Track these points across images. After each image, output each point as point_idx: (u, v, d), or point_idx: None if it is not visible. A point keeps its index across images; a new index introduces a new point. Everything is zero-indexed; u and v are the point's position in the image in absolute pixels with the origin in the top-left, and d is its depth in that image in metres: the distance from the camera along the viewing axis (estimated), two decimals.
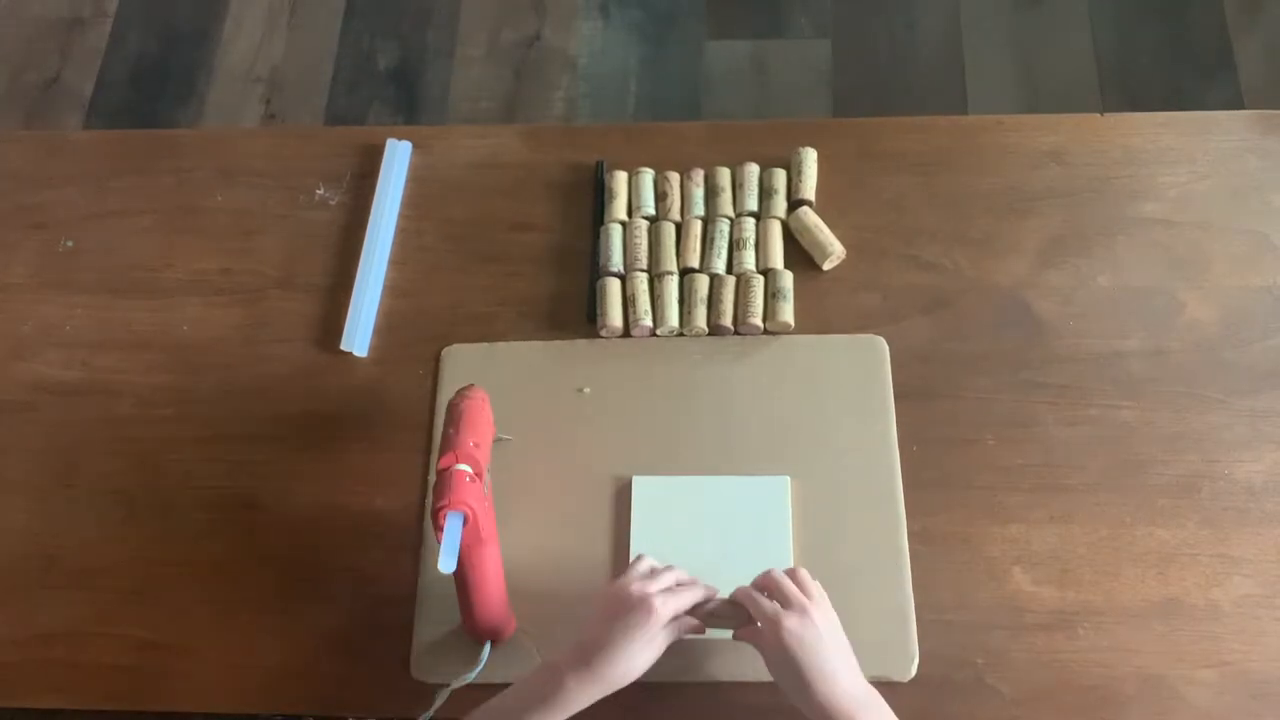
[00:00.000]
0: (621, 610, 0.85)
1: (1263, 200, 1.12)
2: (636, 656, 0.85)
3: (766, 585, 0.89)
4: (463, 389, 0.92)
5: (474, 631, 0.94)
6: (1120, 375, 1.04)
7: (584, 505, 1.01)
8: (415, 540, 1.01)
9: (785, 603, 0.86)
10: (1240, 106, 1.92)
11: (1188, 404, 1.03)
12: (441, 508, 0.82)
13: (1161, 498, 0.99)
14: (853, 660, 0.85)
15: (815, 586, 0.88)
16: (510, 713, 0.84)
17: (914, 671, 0.93)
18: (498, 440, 0.97)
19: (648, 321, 1.08)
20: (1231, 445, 1.01)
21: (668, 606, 0.86)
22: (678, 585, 0.89)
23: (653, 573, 0.89)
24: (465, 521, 0.82)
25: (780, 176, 1.13)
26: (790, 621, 0.84)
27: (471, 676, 0.93)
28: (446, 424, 0.89)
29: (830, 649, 0.84)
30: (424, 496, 1.03)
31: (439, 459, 0.85)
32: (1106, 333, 1.06)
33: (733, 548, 0.97)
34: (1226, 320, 1.06)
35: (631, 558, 0.96)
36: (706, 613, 0.90)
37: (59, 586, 1.02)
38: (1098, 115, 1.18)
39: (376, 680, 0.96)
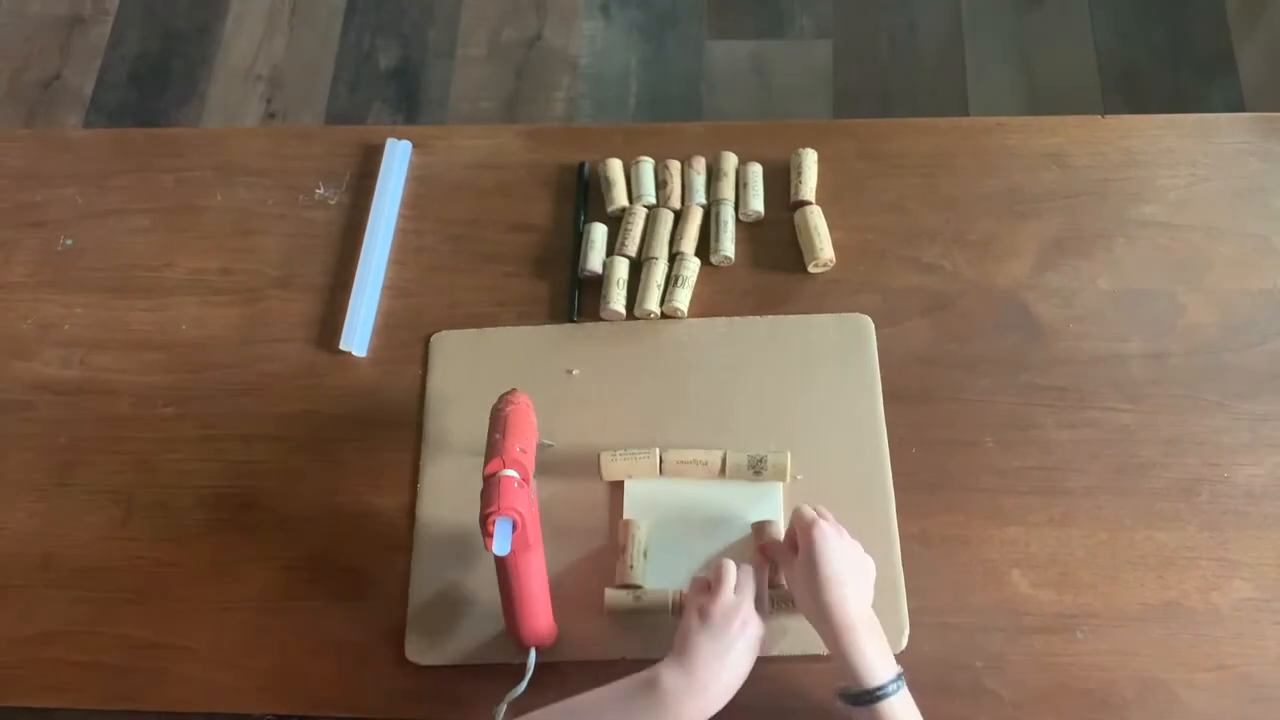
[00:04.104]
0: (725, 624, 0.86)
1: (1264, 203, 1.12)
2: (740, 666, 0.86)
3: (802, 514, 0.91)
4: (505, 394, 0.91)
5: (519, 639, 0.92)
6: (1120, 378, 1.04)
7: (576, 492, 1.01)
8: (410, 540, 1.01)
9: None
10: (1241, 108, 1.92)
11: (1188, 407, 1.03)
12: (490, 514, 0.81)
13: (1161, 501, 0.99)
14: (869, 591, 0.89)
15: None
16: (603, 717, 0.83)
17: (904, 644, 0.94)
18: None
19: (618, 306, 1.08)
20: (1231, 449, 1.01)
21: (762, 617, 0.89)
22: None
23: (740, 583, 0.90)
24: (514, 527, 0.81)
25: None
26: (827, 525, 0.89)
27: (522, 688, 0.91)
28: (491, 429, 0.87)
29: (853, 566, 0.88)
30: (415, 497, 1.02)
31: (485, 465, 0.84)
32: (1106, 335, 1.06)
33: (723, 549, 0.98)
34: (1227, 323, 1.06)
35: (709, 567, 0.94)
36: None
37: (58, 586, 1.02)
38: (1098, 117, 1.17)
39: (373, 680, 0.96)
